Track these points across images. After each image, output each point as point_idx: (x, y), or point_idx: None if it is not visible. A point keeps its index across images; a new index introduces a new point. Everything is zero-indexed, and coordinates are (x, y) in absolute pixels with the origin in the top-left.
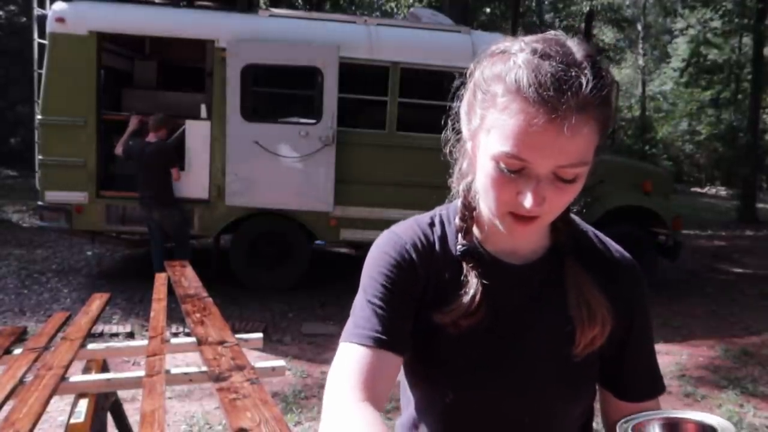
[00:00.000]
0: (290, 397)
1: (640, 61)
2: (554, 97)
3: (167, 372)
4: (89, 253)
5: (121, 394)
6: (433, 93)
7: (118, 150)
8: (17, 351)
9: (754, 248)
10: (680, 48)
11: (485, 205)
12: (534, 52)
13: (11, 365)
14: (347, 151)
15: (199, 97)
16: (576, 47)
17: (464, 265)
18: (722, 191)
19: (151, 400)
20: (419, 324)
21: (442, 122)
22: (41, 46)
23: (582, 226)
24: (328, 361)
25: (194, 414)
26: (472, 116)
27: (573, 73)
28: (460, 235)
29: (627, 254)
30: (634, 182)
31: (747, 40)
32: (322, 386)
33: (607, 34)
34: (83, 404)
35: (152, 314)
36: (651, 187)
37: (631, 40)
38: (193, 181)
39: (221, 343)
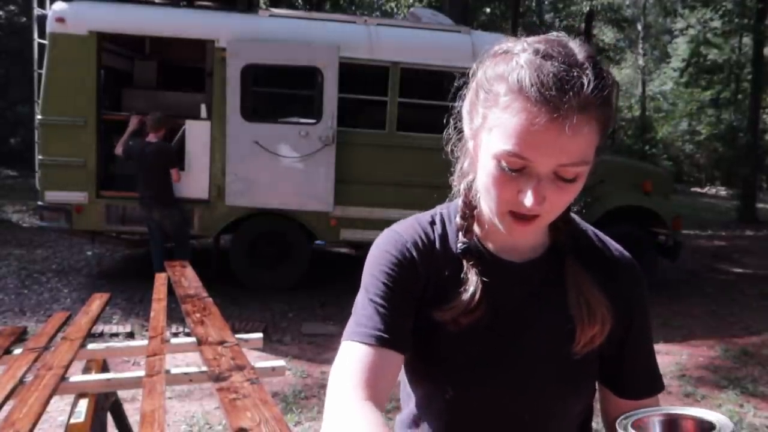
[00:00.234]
0: (290, 397)
1: (640, 61)
2: (556, 96)
3: (167, 372)
4: (89, 253)
5: (121, 394)
6: (433, 93)
7: (118, 150)
8: (17, 351)
9: (754, 248)
10: (680, 48)
11: (486, 204)
12: (536, 52)
13: (11, 365)
14: (347, 151)
15: (199, 97)
16: (578, 48)
17: (464, 263)
18: (722, 191)
19: (151, 400)
20: (419, 321)
21: (444, 121)
22: (41, 46)
23: (582, 225)
24: (328, 361)
25: (194, 414)
26: (474, 115)
27: (575, 74)
28: (460, 233)
29: (627, 253)
30: (634, 182)
31: (747, 40)
32: (322, 386)
33: (607, 34)
34: (83, 404)
35: (152, 314)
36: (651, 187)
37: (631, 40)
38: (193, 181)
39: (221, 343)
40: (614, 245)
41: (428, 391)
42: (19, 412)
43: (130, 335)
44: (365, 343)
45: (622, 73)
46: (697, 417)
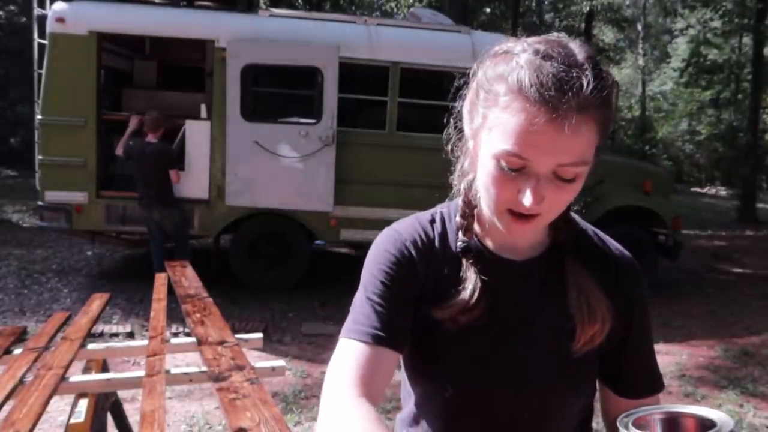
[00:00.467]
0: (290, 397)
1: (640, 61)
2: (555, 97)
3: (167, 372)
4: (89, 253)
5: (121, 394)
6: (433, 93)
7: (119, 151)
8: (17, 351)
9: (754, 248)
10: (680, 48)
11: (485, 203)
12: (536, 52)
13: (11, 365)
14: (347, 151)
15: (199, 97)
16: (578, 49)
17: (464, 261)
18: (722, 191)
19: (151, 400)
20: (418, 320)
21: (444, 121)
22: (41, 46)
23: (582, 224)
24: (328, 361)
25: (194, 414)
26: (474, 115)
27: (574, 74)
28: (460, 232)
29: (627, 253)
30: (634, 182)
31: (747, 40)
32: (322, 386)
33: (607, 34)
34: (83, 404)
35: (152, 314)
36: (651, 187)
37: (631, 40)
38: (193, 181)
39: (221, 343)
40: (614, 245)
41: (427, 389)
42: (19, 412)
43: (130, 335)
44: (362, 341)
45: (622, 73)
46: (698, 415)
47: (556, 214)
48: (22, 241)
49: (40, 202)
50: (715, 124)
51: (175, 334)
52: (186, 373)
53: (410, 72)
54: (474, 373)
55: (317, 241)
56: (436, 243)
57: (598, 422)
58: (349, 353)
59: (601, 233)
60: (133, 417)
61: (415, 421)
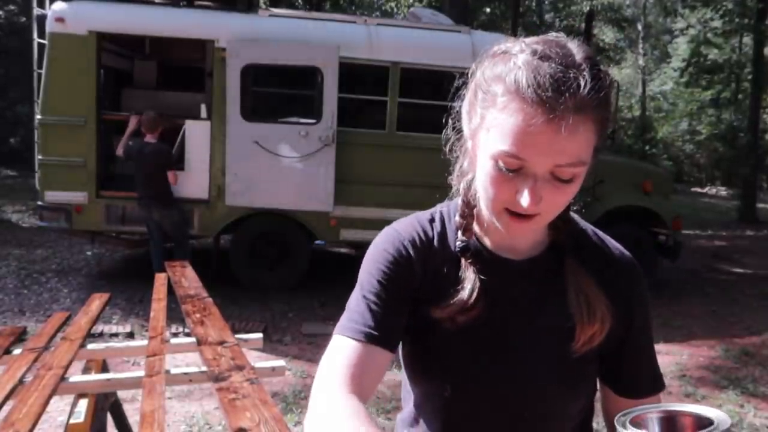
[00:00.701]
0: (290, 397)
1: (641, 61)
2: (552, 97)
3: (167, 372)
4: (89, 253)
5: (121, 394)
6: (433, 93)
7: (119, 151)
8: (17, 351)
9: (755, 248)
10: (680, 48)
11: (484, 203)
12: (534, 53)
13: (11, 365)
14: (347, 151)
15: (199, 97)
16: (576, 49)
17: (463, 261)
18: (722, 191)
19: (150, 401)
20: (417, 319)
21: (443, 121)
22: (41, 46)
23: (582, 224)
24: None
25: (194, 414)
26: (472, 115)
27: (571, 75)
28: (459, 231)
29: (627, 252)
30: (635, 182)
31: (747, 39)
32: None
33: (607, 34)
34: (83, 404)
35: (152, 314)
36: (651, 187)
37: (632, 39)
38: (193, 181)
39: (221, 343)
40: (614, 244)
41: (427, 389)
42: (18, 412)
43: (130, 335)
44: (354, 339)
45: (622, 73)
46: (696, 413)
47: (554, 215)
48: (21, 241)
49: (39, 202)
50: (715, 124)
51: (175, 335)
52: (186, 374)
53: (410, 72)
54: (473, 373)
55: (317, 241)
56: (435, 242)
57: (598, 422)
58: (341, 350)
59: (600, 233)
60: (132, 417)
61: (415, 421)
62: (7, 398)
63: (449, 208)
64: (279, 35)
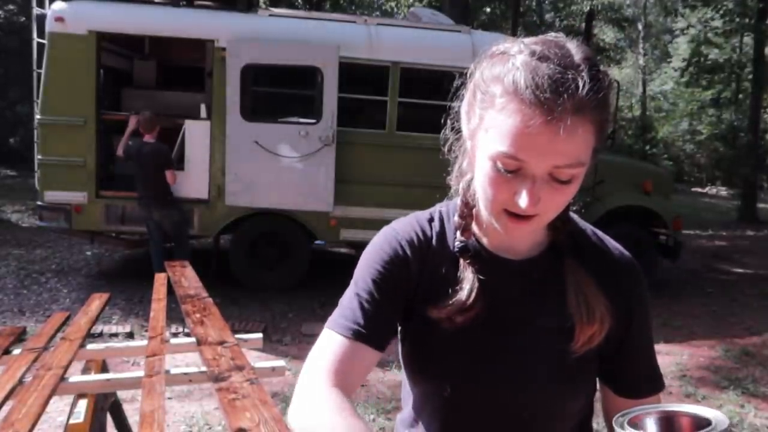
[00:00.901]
0: (290, 397)
1: (641, 61)
2: (550, 98)
3: (167, 372)
4: (88, 253)
5: (121, 394)
6: (433, 93)
7: (119, 151)
8: (16, 351)
9: (755, 248)
10: (681, 47)
11: (482, 203)
12: (532, 54)
13: (10, 365)
14: (347, 151)
15: (198, 97)
16: (575, 49)
17: (461, 261)
18: (723, 191)
19: (150, 401)
20: (416, 319)
21: (443, 121)
22: (40, 46)
23: (581, 224)
24: None
25: (194, 414)
26: (471, 116)
27: (570, 76)
28: (458, 231)
29: (626, 252)
30: (635, 182)
31: (748, 39)
32: None
33: (607, 34)
34: (82, 404)
35: (152, 314)
36: (651, 187)
37: (632, 39)
38: (192, 181)
39: (221, 343)
40: (614, 245)
41: (426, 389)
42: (18, 412)
43: (130, 335)
44: (342, 335)
45: (622, 73)
46: (694, 414)
47: (553, 215)
48: (21, 241)
49: (39, 202)
50: (715, 124)
51: (175, 335)
52: (186, 374)
53: (410, 72)
54: (472, 373)
55: (317, 241)
56: (434, 242)
57: (599, 422)
58: (329, 345)
59: (600, 233)
60: (132, 417)
61: (415, 421)
62: (6, 398)
63: (448, 208)
64: (279, 35)
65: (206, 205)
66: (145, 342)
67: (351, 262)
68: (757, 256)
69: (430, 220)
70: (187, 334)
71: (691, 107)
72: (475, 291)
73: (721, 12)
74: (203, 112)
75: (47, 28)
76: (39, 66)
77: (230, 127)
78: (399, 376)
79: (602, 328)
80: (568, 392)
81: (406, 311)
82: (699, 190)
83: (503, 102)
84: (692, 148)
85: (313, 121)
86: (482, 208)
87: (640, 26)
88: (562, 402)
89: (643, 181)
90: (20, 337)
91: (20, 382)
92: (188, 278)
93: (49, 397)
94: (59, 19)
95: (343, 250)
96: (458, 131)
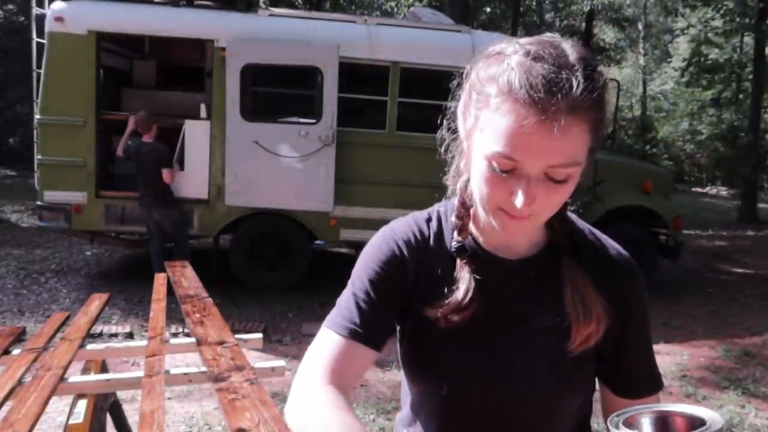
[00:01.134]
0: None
1: (641, 61)
2: (544, 99)
3: (166, 372)
4: (88, 253)
5: (121, 394)
6: (433, 93)
7: (119, 152)
8: (16, 351)
9: (755, 248)
10: (681, 47)
11: (479, 203)
12: (527, 54)
13: (10, 365)
14: (347, 151)
15: (198, 97)
16: (570, 49)
17: (458, 261)
18: (723, 191)
19: (150, 401)
20: (413, 319)
21: (441, 122)
22: (40, 46)
23: (579, 224)
24: None
25: (194, 414)
26: (467, 116)
27: (564, 76)
28: (455, 231)
29: (624, 252)
30: (635, 182)
31: (748, 39)
32: None
33: (607, 34)
34: (82, 405)
35: (151, 314)
36: (651, 187)
37: (632, 39)
38: (192, 181)
39: (221, 343)
40: (612, 244)
41: (424, 388)
42: (17, 412)
43: (130, 335)
44: (339, 334)
45: (622, 73)
46: (688, 414)
47: (549, 214)
48: (20, 241)
49: (39, 202)
50: (716, 124)
51: (175, 335)
52: (185, 374)
53: (410, 72)
54: (469, 372)
55: (317, 241)
56: (431, 242)
57: (599, 423)
58: (325, 343)
59: (598, 233)
60: (132, 418)
61: (413, 420)
62: (6, 398)
63: (446, 208)
64: (279, 35)
65: (206, 205)
66: (144, 342)
67: (351, 262)
68: (758, 256)
69: (428, 220)
70: (187, 334)
71: (692, 107)
72: (471, 290)
73: (722, 12)
74: (203, 112)
75: (47, 28)
76: (38, 66)
77: (230, 127)
78: (399, 376)
79: (599, 327)
80: (565, 391)
81: (403, 311)
82: (699, 190)
83: (498, 102)
84: (692, 148)
85: (313, 121)
86: (479, 207)
87: (640, 26)
88: (559, 401)
89: (643, 181)
90: (20, 337)
91: (20, 382)
92: (188, 278)
93: (49, 397)
94: (59, 19)
95: (343, 250)
96: (454, 131)
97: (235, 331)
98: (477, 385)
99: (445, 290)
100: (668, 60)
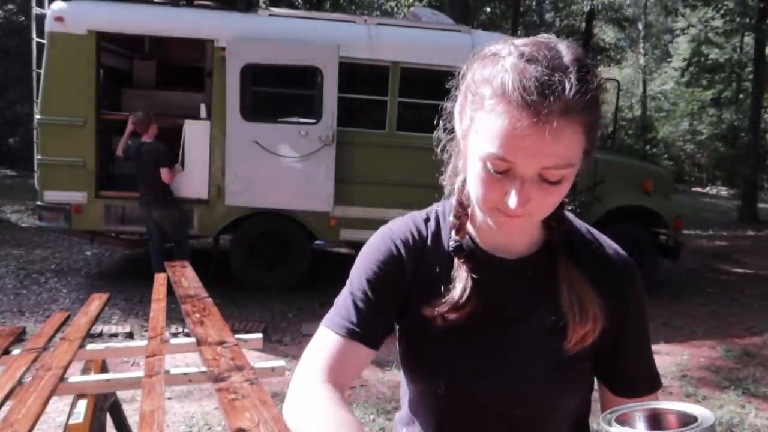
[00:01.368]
0: None
1: (641, 61)
2: (537, 101)
3: (166, 372)
4: (88, 253)
5: (121, 394)
6: (433, 93)
7: (119, 152)
8: (16, 351)
9: (755, 248)
10: (681, 47)
11: (475, 202)
12: (521, 55)
13: (10, 366)
14: (347, 151)
15: (198, 96)
16: (566, 50)
17: (456, 260)
18: (723, 191)
19: (150, 401)
20: (411, 318)
21: (438, 122)
22: (40, 46)
23: (576, 224)
24: None
25: (193, 414)
26: (463, 117)
27: (556, 78)
28: (453, 231)
29: (622, 252)
30: (635, 182)
31: (748, 39)
32: None
33: (608, 34)
34: (82, 405)
35: (151, 314)
36: (652, 187)
37: (632, 39)
38: (192, 181)
39: (221, 343)
40: (610, 244)
41: (422, 387)
42: (17, 412)
43: (130, 335)
44: (337, 333)
45: (622, 73)
46: (680, 411)
47: (544, 214)
48: (20, 241)
49: (39, 202)
50: (716, 124)
51: (175, 335)
52: (185, 374)
53: (410, 72)
54: (466, 371)
55: (317, 241)
56: (429, 242)
57: (598, 422)
58: (324, 342)
59: (596, 232)
60: (132, 418)
61: (412, 419)
62: (6, 399)
63: (444, 208)
64: (279, 35)
65: (206, 205)
66: (144, 342)
67: (351, 262)
68: (758, 256)
69: (426, 220)
70: (187, 334)
71: (692, 107)
72: (468, 289)
73: (722, 12)
74: (203, 112)
75: (47, 28)
76: (38, 66)
77: (230, 127)
78: (399, 376)
79: (595, 327)
80: (562, 390)
81: (401, 310)
82: (699, 190)
83: (492, 104)
84: (693, 148)
85: (313, 121)
86: (476, 206)
87: (640, 26)
88: (556, 400)
89: (643, 181)
90: (20, 337)
91: (20, 382)
92: (188, 278)
93: (49, 397)
94: (59, 19)
95: (343, 250)
96: (451, 131)
97: (235, 331)
98: (474, 383)
99: (443, 289)
100: (668, 60)
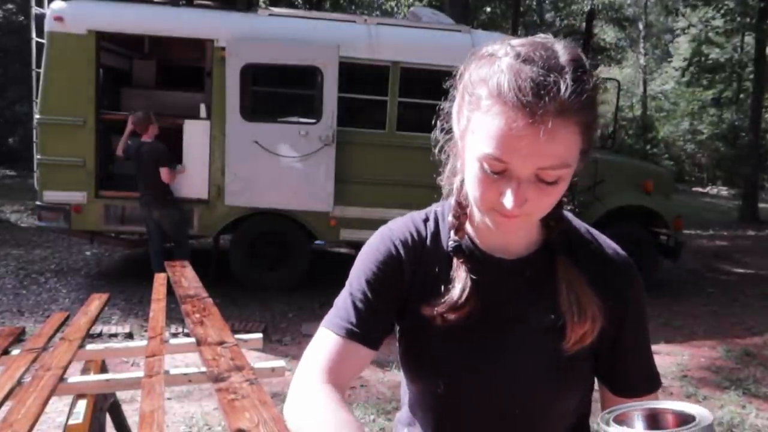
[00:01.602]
0: None
1: (642, 61)
2: (532, 102)
3: (166, 373)
4: (88, 253)
5: (120, 394)
6: (433, 93)
7: (119, 152)
8: (15, 351)
9: (756, 248)
10: (682, 47)
11: (473, 202)
12: (517, 56)
13: (9, 366)
14: (347, 151)
15: (198, 96)
16: (562, 51)
17: (455, 260)
18: (724, 191)
19: (150, 401)
20: (410, 318)
21: (437, 122)
22: (39, 45)
23: (575, 223)
24: None
25: (193, 415)
26: (460, 117)
27: (552, 79)
28: (452, 231)
29: (622, 251)
30: (635, 182)
31: (749, 39)
32: None
33: (608, 33)
34: (82, 405)
35: (151, 314)
36: (652, 187)
37: (633, 39)
38: (192, 181)
39: (220, 343)
40: (609, 244)
41: (421, 387)
42: (17, 413)
43: (129, 336)
44: (337, 334)
45: (623, 73)
46: (678, 410)
47: (541, 214)
48: (20, 241)
49: (38, 202)
50: (716, 124)
51: (175, 335)
52: (185, 374)
53: (410, 72)
54: (465, 370)
55: (317, 241)
56: (428, 242)
57: (598, 423)
58: (323, 342)
59: (595, 232)
60: (132, 418)
61: (412, 419)
62: (5, 399)
63: (444, 208)
64: (279, 35)
65: (206, 205)
66: (144, 342)
67: (351, 262)
68: (759, 256)
69: (425, 220)
70: (187, 335)
71: (692, 107)
72: (467, 289)
73: (722, 11)
74: (203, 112)
75: (46, 28)
76: (38, 66)
77: (230, 126)
78: (399, 376)
79: (594, 327)
80: (561, 390)
81: (401, 310)
82: (700, 189)
83: (488, 104)
84: (693, 147)
85: (313, 120)
86: (474, 207)
87: (640, 26)
88: (555, 400)
89: (643, 180)
90: (19, 337)
91: (19, 382)
92: (188, 278)
93: (49, 397)
94: (58, 19)
95: (343, 250)
96: (449, 132)
97: (235, 331)
98: (473, 383)
99: (442, 289)
100: (669, 60)
